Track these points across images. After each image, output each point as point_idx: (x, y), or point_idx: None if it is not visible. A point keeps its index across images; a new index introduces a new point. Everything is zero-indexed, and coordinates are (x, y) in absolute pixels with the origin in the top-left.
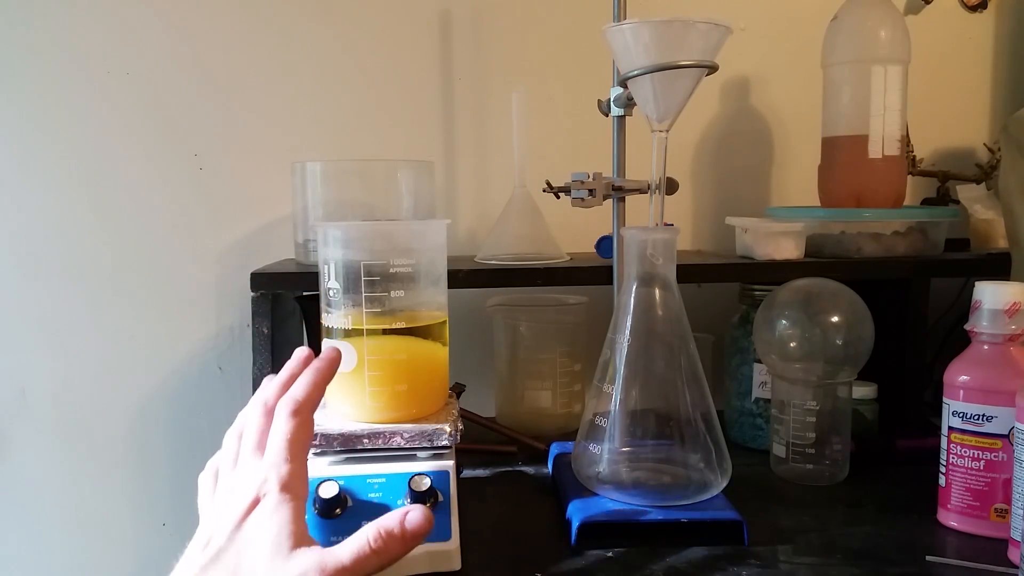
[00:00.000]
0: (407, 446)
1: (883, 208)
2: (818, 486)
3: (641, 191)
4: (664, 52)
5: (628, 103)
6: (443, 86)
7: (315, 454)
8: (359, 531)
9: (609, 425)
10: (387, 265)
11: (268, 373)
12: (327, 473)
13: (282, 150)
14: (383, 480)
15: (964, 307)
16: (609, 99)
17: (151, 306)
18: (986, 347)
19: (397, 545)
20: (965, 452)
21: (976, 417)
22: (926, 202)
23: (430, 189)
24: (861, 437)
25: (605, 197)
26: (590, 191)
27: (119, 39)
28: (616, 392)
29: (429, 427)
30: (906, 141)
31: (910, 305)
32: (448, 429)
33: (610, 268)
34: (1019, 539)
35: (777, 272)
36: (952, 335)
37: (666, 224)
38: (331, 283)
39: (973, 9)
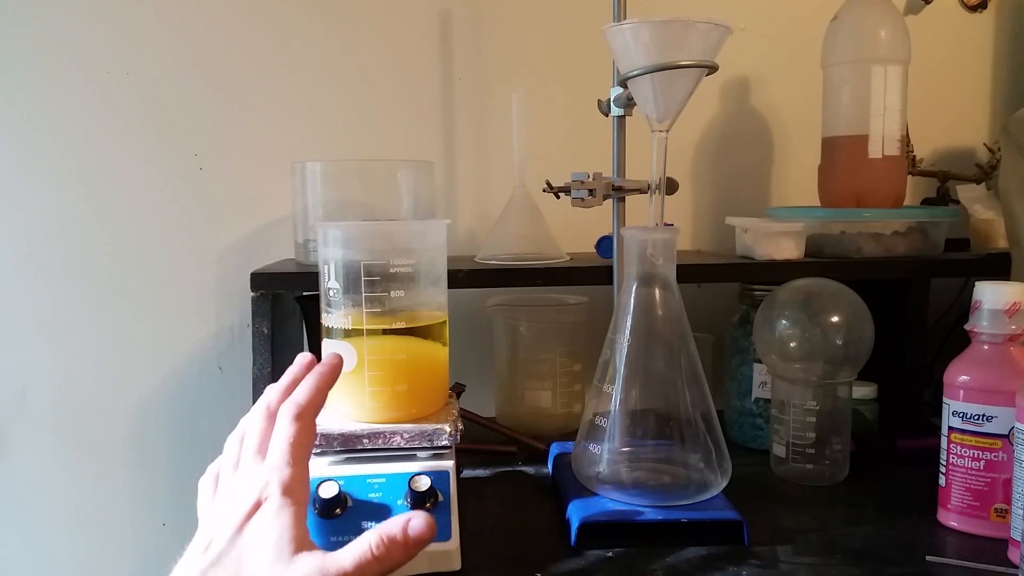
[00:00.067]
0: (407, 446)
1: (883, 208)
2: (818, 486)
3: (641, 191)
4: (664, 52)
5: (628, 103)
6: (443, 86)
7: (315, 454)
8: (361, 536)
9: (609, 425)
10: (387, 265)
11: (268, 373)
12: (327, 473)
13: (282, 150)
14: (383, 480)
15: (964, 307)
16: (609, 99)
17: (151, 306)
18: (986, 347)
19: (399, 551)
20: (965, 452)
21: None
22: (926, 202)
23: (430, 189)
24: (861, 437)
25: (605, 197)
26: (590, 191)
27: (119, 39)
28: (616, 392)
29: (429, 427)
30: (906, 141)
31: (910, 305)
32: (448, 429)
33: (610, 268)
34: (1019, 539)
35: (777, 272)
36: (952, 335)
37: (666, 224)
38: (331, 283)
39: (973, 9)
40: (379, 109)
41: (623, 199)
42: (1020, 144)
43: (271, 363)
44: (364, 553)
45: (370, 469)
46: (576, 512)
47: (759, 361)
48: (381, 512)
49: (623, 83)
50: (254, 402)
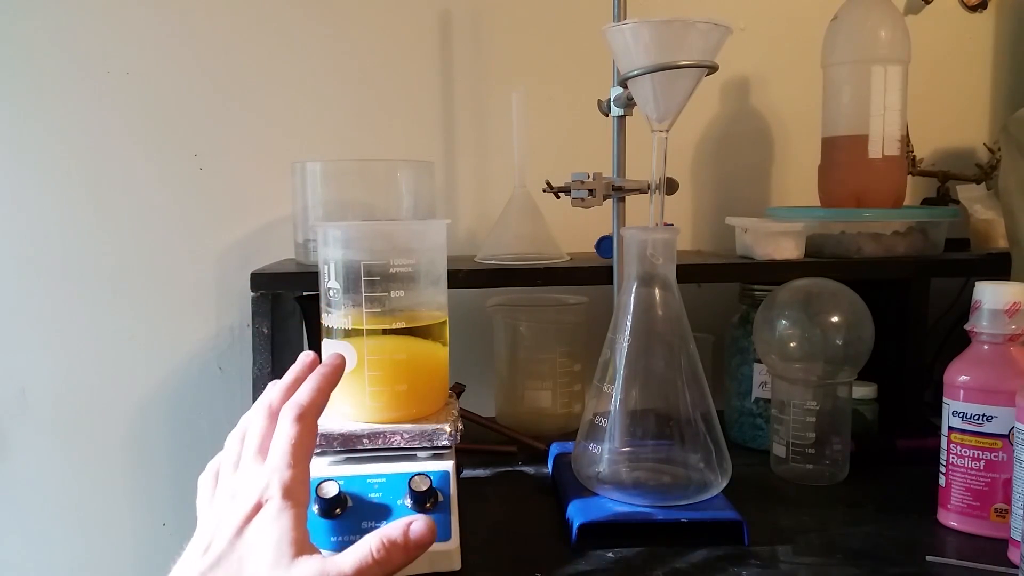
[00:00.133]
0: (407, 446)
1: (883, 208)
2: (818, 486)
3: (641, 191)
4: (664, 52)
5: (628, 103)
6: (443, 86)
7: (315, 454)
8: (362, 540)
9: (609, 425)
10: (387, 265)
11: (268, 373)
12: (327, 473)
13: (282, 150)
14: (383, 480)
15: (964, 307)
16: (609, 99)
17: (151, 306)
18: (986, 347)
19: (400, 555)
20: (965, 452)
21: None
22: (926, 202)
23: (430, 189)
24: (861, 437)
25: (605, 197)
26: (590, 191)
27: (119, 39)
28: (616, 392)
29: (429, 427)
30: (906, 141)
31: (910, 305)
32: (448, 429)
33: (610, 268)
34: (1019, 539)
35: (777, 272)
36: (952, 335)
37: (666, 224)
38: (331, 283)
39: (973, 9)
40: (379, 109)
41: (623, 199)
42: (1020, 144)
43: (271, 363)
44: (365, 557)
45: (370, 469)
46: (576, 512)
47: (759, 361)
48: (381, 512)
49: (623, 83)
50: (254, 402)
